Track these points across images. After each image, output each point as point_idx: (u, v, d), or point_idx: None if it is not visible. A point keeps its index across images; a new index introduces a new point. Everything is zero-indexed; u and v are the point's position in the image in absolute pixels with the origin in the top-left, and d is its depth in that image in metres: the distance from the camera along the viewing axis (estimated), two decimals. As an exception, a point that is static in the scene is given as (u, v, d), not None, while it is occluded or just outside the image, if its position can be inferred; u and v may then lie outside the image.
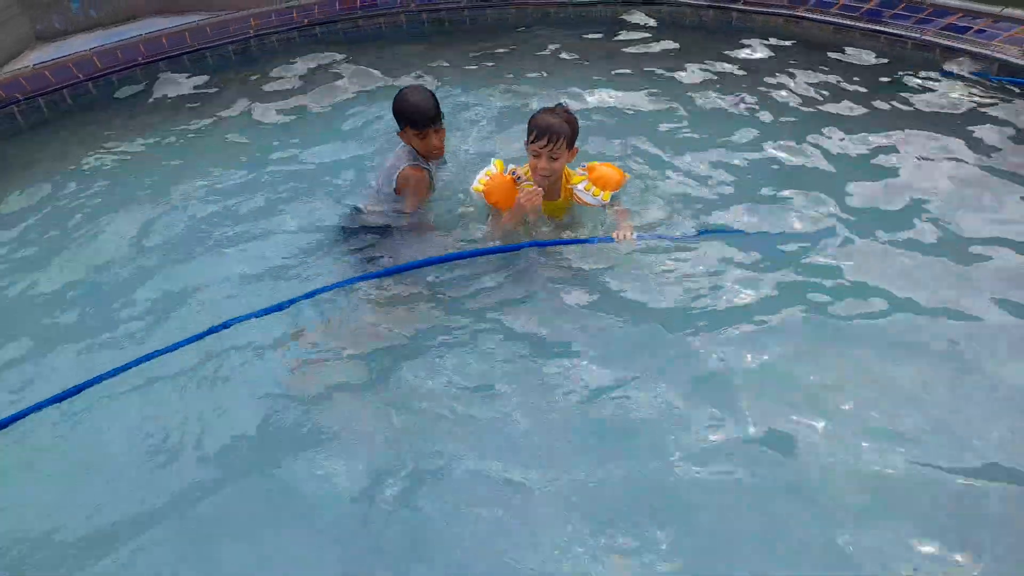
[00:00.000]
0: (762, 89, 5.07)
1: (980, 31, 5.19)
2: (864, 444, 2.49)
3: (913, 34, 5.37)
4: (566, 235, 3.49)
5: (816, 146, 4.27)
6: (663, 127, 4.62)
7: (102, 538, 2.35)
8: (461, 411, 2.72)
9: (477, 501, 2.41)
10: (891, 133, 4.35)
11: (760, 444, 2.53)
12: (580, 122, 3.32)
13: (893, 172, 3.97)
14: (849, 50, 5.52)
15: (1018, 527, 2.24)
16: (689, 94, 5.03)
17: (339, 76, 5.70)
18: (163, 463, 2.59)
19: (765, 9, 6.10)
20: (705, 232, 3.48)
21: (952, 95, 4.74)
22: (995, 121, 4.39)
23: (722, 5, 6.24)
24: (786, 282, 3.20)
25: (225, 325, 3.03)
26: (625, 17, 6.44)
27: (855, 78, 5.04)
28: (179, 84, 5.81)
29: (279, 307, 3.10)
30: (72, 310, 3.39)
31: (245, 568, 2.29)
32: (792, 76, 5.19)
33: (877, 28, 5.55)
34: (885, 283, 3.16)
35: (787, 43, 5.74)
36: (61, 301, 3.45)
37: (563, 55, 5.85)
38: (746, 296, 3.14)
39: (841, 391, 2.70)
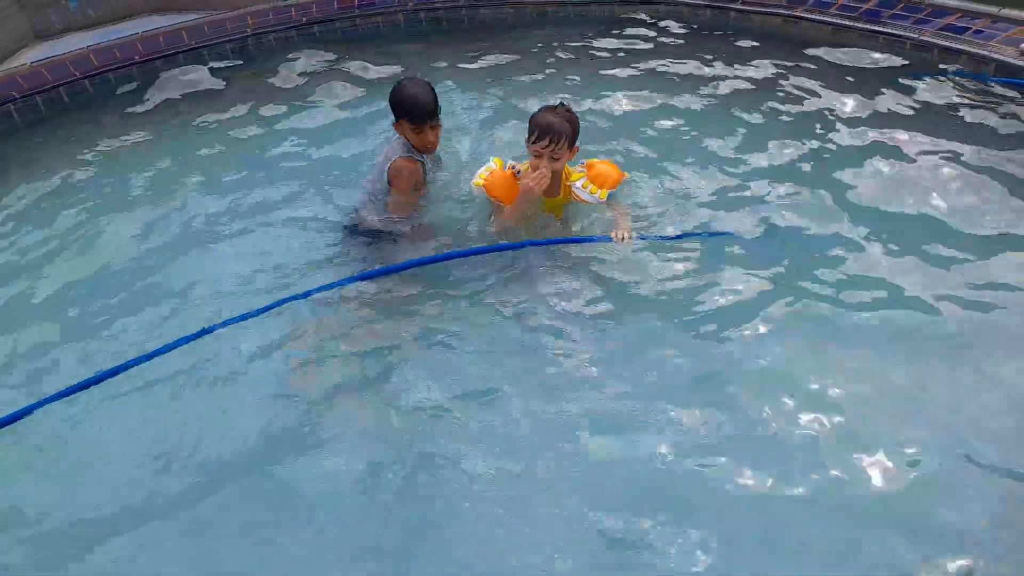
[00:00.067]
0: (760, 89, 5.07)
1: (978, 32, 5.20)
2: (863, 444, 2.50)
3: (911, 34, 5.37)
4: (565, 234, 3.48)
5: (814, 146, 4.27)
6: (661, 127, 4.61)
7: (102, 538, 2.35)
8: (461, 410, 2.71)
9: (477, 500, 2.41)
10: (889, 133, 4.35)
11: (760, 444, 2.54)
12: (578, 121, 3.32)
13: (892, 171, 3.96)
14: (848, 50, 5.52)
15: (1018, 527, 2.25)
16: (687, 94, 5.03)
17: (337, 75, 5.68)
18: (162, 463, 2.59)
19: (763, 9, 6.10)
20: (703, 234, 3.48)
21: (951, 95, 4.74)
22: (993, 121, 4.40)
23: (720, 5, 6.24)
24: (785, 282, 3.21)
25: (223, 324, 3.03)
26: (623, 16, 6.43)
27: (853, 78, 5.04)
28: (176, 83, 5.79)
29: (276, 305, 3.10)
30: (69, 309, 3.38)
31: (246, 567, 2.28)
32: (790, 76, 5.19)
33: (875, 28, 5.55)
34: (886, 283, 3.17)
35: (785, 43, 5.74)
36: (58, 300, 3.44)
37: (561, 54, 5.84)
38: (746, 296, 3.14)
39: (841, 391, 2.70)
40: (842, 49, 5.54)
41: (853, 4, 5.82)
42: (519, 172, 3.38)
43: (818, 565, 2.19)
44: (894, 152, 4.14)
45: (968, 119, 4.44)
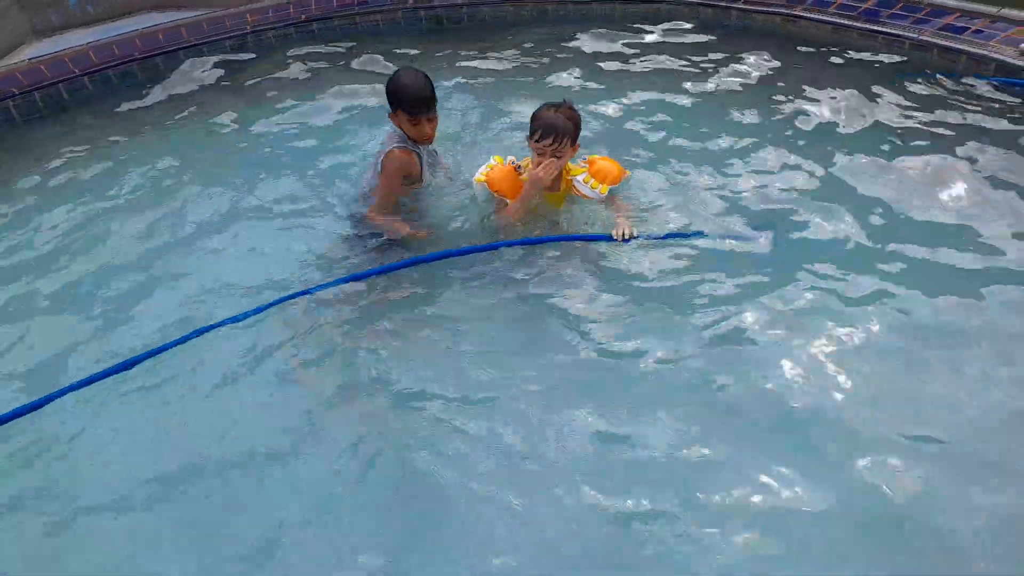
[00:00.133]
0: (760, 88, 5.07)
1: (978, 31, 5.19)
2: (863, 443, 2.50)
3: (911, 34, 5.37)
4: (565, 232, 3.48)
5: (814, 145, 4.27)
6: (661, 125, 4.61)
7: (102, 537, 2.36)
8: (460, 410, 2.72)
9: (477, 500, 2.41)
10: (889, 132, 4.36)
11: (760, 443, 2.54)
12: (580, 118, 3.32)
13: (891, 170, 3.96)
14: (847, 50, 5.52)
15: (1018, 527, 2.25)
16: (687, 92, 5.03)
17: (336, 73, 5.68)
18: (162, 463, 2.59)
19: (763, 8, 6.09)
20: (703, 233, 3.48)
21: (950, 95, 4.74)
22: (993, 121, 4.40)
23: (720, 4, 6.24)
24: (785, 281, 3.21)
25: (222, 324, 3.03)
26: (623, 15, 6.43)
27: (852, 78, 5.03)
28: (175, 80, 5.78)
29: (275, 304, 3.10)
30: (66, 309, 3.38)
31: (246, 567, 2.28)
32: (790, 75, 5.20)
33: (875, 28, 5.55)
34: (885, 283, 3.17)
35: (785, 42, 5.74)
36: (55, 299, 3.43)
37: (560, 53, 5.83)
38: (747, 295, 3.14)
39: (841, 390, 2.70)
40: (841, 48, 5.54)
41: (852, 3, 5.81)
42: (519, 168, 3.38)
43: (818, 565, 2.19)
44: (894, 151, 4.15)
45: (968, 119, 4.44)
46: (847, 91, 4.81)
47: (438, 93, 3.40)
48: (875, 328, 2.95)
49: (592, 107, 4.79)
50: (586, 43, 5.97)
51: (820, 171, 3.99)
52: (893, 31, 5.46)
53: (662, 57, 5.62)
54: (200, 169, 4.46)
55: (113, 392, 2.80)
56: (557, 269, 3.32)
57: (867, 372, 2.78)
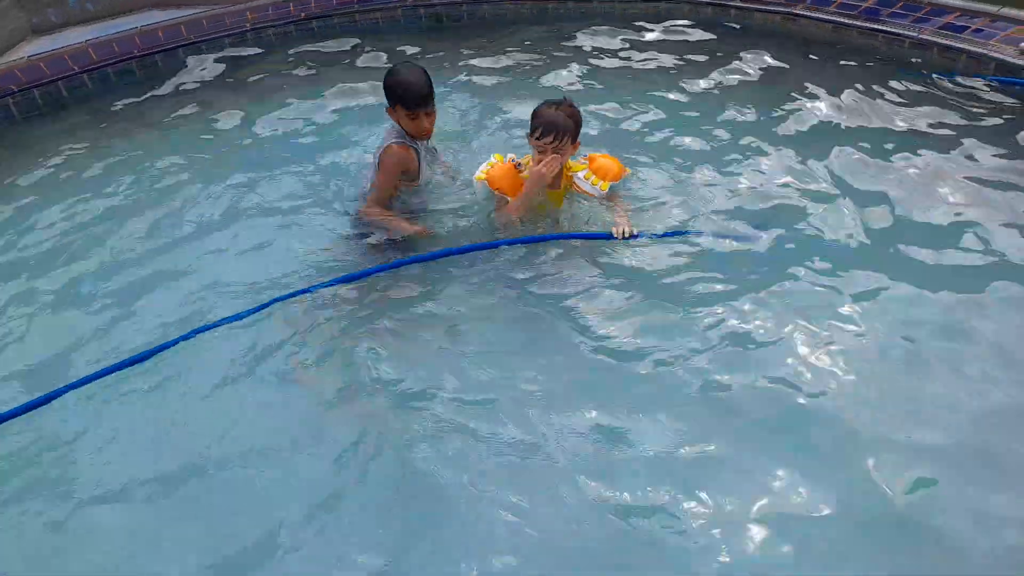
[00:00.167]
0: (760, 87, 5.07)
1: (978, 30, 5.19)
2: (863, 443, 2.50)
3: (911, 33, 5.36)
4: (565, 230, 3.48)
5: (813, 144, 4.26)
6: (660, 123, 4.61)
7: (102, 537, 2.35)
8: (461, 409, 2.71)
9: (478, 500, 2.41)
10: (889, 131, 4.36)
11: (760, 443, 2.54)
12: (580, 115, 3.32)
13: (891, 169, 3.96)
14: (847, 48, 5.52)
15: (1018, 527, 2.25)
16: (687, 91, 5.03)
17: (336, 71, 5.68)
18: (162, 463, 2.59)
19: (763, 6, 6.09)
20: (703, 232, 3.48)
21: (950, 95, 4.74)
22: (992, 121, 4.40)
23: (720, 2, 6.24)
24: (788, 281, 3.20)
25: (222, 323, 3.03)
26: (622, 13, 6.43)
27: (852, 76, 5.03)
28: (175, 77, 5.79)
29: (274, 303, 3.10)
30: (65, 305, 3.37)
31: (246, 567, 2.28)
32: (790, 74, 5.20)
33: (875, 27, 5.55)
34: (885, 282, 3.16)
35: (786, 41, 5.74)
36: (53, 298, 3.43)
37: (560, 51, 5.83)
38: (748, 295, 3.13)
39: (841, 390, 2.70)
40: (841, 47, 5.54)
41: (853, 2, 5.81)
42: (520, 166, 3.38)
43: (818, 565, 2.19)
44: (893, 150, 4.14)
45: (967, 118, 4.45)
46: (847, 90, 4.80)
47: (438, 91, 3.40)
48: (875, 328, 2.95)
49: (592, 105, 4.78)
50: (586, 41, 5.97)
51: (820, 170, 3.98)
52: (893, 30, 5.46)
53: (662, 55, 5.62)
54: (199, 167, 4.45)
55: (113, 391, 2.79)
56: (558, 267, 3.32)
57: (867, 372, 2.77)
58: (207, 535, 2.35)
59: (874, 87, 4.85)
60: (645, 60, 5.56)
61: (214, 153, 4.64)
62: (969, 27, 5.25)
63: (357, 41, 6.23)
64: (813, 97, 4.79)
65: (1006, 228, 3.45)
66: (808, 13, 5.88)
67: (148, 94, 5.56)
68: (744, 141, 4.35)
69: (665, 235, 3.42)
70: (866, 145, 4.20)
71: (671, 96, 4.95)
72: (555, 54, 5.78)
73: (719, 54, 5.57)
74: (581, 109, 3.36)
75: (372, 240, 3.45)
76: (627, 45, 5.86)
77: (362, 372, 2.89)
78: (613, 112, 4.77)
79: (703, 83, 5.13)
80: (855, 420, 2.58)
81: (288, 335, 3.04)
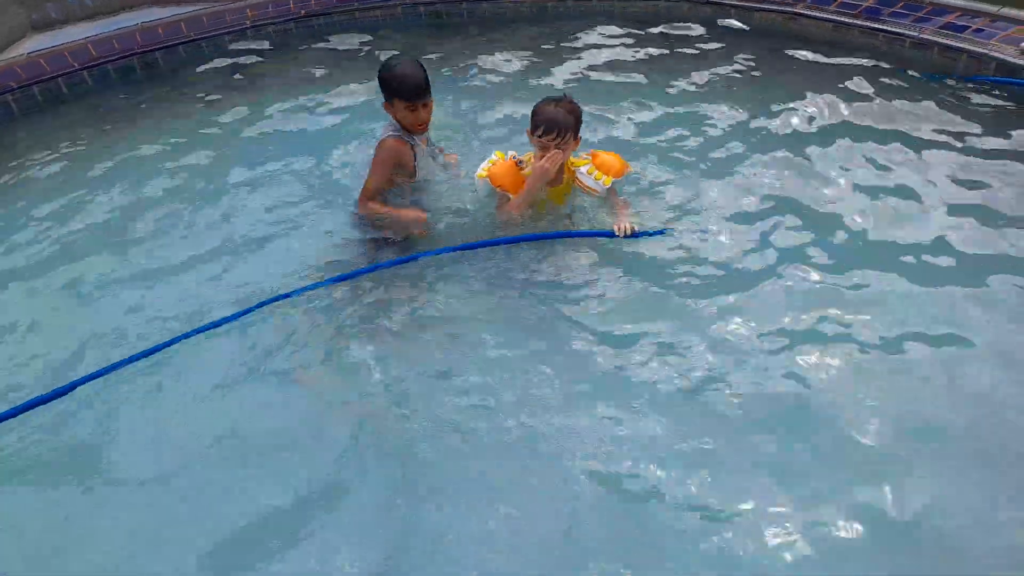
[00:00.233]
0: (760, 86, 5.07)
1: (978, 30, 5.19)
2: (862, 444, 2.50)
3: (911, 32, 5.36)
4: (567, 228, 3.48)
5: (812, 143, 4.26)
6: (659, 122, 4.61)
7: (101, 537, 2.35)
8: (461, 409, 2.71)
9: (478, 500, 2.41)
10: (888, 130, 4.35)
11: (760, 444, 2.54)
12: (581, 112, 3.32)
13: (890, 169, 3.96)
14: (847, 48, 5.51)
15: (1018, 527, 2.26)
16: (685, 90, 5.03)
17: (336, 69, 5.67)
18: (162, 464, 2.59)
19: (763, 6, 6.08)
20: (703, 231, 3.48)
21: (950, 94, 4.74)
22: (992, 120, 4.40)
23: (720, 1, 6.23)
24: (788, 281, 3.21)
25: (221, 322, 3.03)
26: (622, 12, 6.42)
27: (852, 76, 5.03)
28: (174, 74, 5.79)
29: (273, 301, 3.10)
30: (63, 304, 3.37)
31: (246, 567, 2.28)
32: (790, 73, 5.19)
33: (876, 26, 5.54)
34: (885, 283, 3.17)
35: (786, 41, 5.73)
36: (52, 295, 3.42)
37: (559, 50, 5.82)
38: (749, 294, 3.14)
39: (841, 391, 2.71)
40: (842, 46, 5.53)
41: (853, 2, 5.80)
42: (521, 163, 3.38)
43: (818, 565, 2.20)
44: (893, 149, 4.14)
45: (968, 117, 4.44)
46: (847, 89, 4.80)
47: (438, 89, 3.38)
48: (875, 327, 2.95)
49: (591, 104, 4.77)
50: (585, 40, 5.96)
51: (820, 169, 3.98)
52: (894, 29, 5.45)
53: (661, 54, 5.62)
54: (199, 164, 4.45)
55: (113, 391, 2.79)
56: (558, 266, 3.32)
57: (867, 372, 2.78)
58: (207, 535, 2.34)
59: (874, 87, 4.85)
60: (644, 59, 5.55)
61: (214, 150, 4.63)
62: (970, 27, 5.25)
63: (357, 39, 6.23)
64: (813, 97, 4.78)
65: (1006, 228, 3.45)
66: (808, 12, 5.87)
67: (148, 91, 5.55)
68: (744, 140, 4.35)
69: (665, 233, 3.42)
70: (866, 145, 4.19)
71: (670, 95, 4.95)
72: (554, 53, 5.77)
73: (719, 54, 5.57)
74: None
75: (372, 233, 3.45)
76: (626, 44, 5.85)
77: (362, 372, 2.89)
78: (612, 111, 4.76)
79: (702, 82, 5.13)
80: (855, 420, 2.58)
81: (288, 334, 3.04)
